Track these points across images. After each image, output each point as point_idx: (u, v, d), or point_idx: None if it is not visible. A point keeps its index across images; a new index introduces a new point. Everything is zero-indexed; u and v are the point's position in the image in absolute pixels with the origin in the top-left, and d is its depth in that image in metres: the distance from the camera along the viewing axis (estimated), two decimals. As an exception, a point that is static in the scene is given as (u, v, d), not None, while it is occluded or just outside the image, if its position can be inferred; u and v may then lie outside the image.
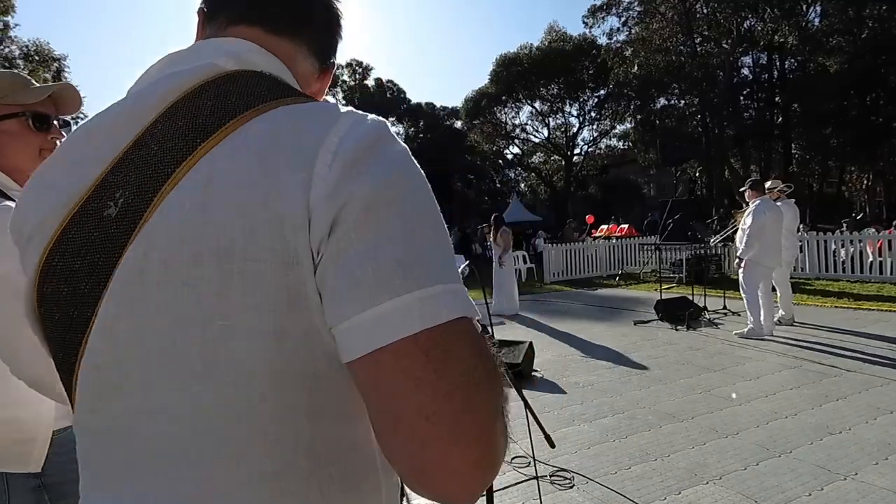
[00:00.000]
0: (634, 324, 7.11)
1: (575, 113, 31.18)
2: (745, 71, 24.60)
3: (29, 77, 1.23)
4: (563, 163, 31.87)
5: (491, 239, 8.37)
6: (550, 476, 2.94)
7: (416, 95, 53.46)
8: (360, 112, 0.54)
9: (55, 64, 20.55)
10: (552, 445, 1.83)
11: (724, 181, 23.49)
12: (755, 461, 3.04)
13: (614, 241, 14.39)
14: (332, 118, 0.52)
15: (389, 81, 31.03)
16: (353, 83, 29.87)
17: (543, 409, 4.01)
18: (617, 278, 12.36)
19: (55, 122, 1.26)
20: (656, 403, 4.05)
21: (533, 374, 4.89)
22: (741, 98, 24.28)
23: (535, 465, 2.55)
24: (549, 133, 32.15)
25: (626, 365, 5.17)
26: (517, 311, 8.31)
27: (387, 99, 28.82)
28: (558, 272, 12.75)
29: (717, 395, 4.16)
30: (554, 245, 13.23)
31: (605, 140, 32.80)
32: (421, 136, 30.77)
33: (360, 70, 29.56)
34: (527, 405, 1.60)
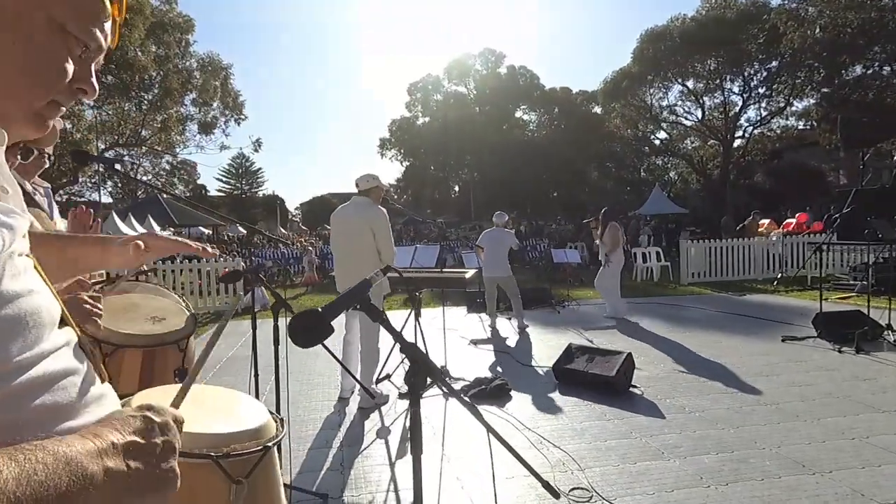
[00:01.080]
0: (782, 340, 5.88)
1: (737, 90, 27.15)
2: None
3: None
4: (721, 148, 28.09)
5: (598, 236, 7.60)
6: (612, 519, 2.48)
7: (549, 80, 51.06)
8: None
9: (223, 72, 23.96)
10: (556, 496, 1.49)
11: (947, 165, 18.47)
12: (914, 549, 2.22)
13: (773, 237, 12.22)
14: None
15: (522, 67, 30.10)
16: (484, 72, 29.70)
17: (629, 434, 3.46)
18: (775, 282, 10.49)
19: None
20: (782, 445, 3.23)
21: (630, 389, 4.28)
22: (976, 57, 18.83)
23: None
24: (704, 114, 28.53)
25: (754, 392, 4.25)
26: (626, 313, 7.53)
27: (519, 86, 28.08)
28: (700, 272, 11.26)
29: (875, 445, 3.18)
30: (694, 241, 11.71)
31: (777, 119, 28.09)
32: (555, 123, 29.51)
33: (493, 59, 29.23)
34: (499, 438, 1.27)
